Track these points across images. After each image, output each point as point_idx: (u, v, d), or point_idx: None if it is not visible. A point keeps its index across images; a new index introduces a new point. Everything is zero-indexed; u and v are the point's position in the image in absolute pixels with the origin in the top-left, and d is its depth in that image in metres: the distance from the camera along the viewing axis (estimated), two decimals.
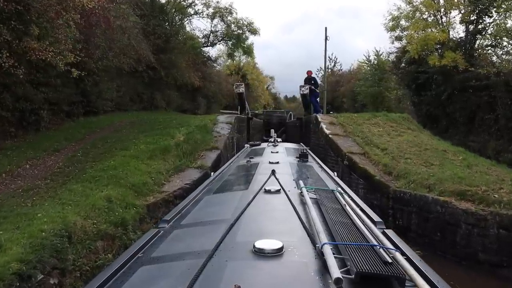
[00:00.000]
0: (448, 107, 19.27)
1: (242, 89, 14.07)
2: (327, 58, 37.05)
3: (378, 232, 2.44)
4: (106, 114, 16.47)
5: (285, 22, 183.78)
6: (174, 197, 7.78)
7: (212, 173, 6.35)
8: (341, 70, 47.97)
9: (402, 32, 20.49)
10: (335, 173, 6.15)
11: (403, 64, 21.88)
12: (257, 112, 39.35)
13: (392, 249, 2.08)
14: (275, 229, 2.63)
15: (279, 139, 10.66)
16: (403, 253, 2.16)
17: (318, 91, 15.41)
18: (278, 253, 2.06)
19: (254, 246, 2.11)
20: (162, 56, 21.26)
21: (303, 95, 13.84)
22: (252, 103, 50.26)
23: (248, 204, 3.12)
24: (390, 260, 1.87)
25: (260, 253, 2.06)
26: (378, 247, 2.06)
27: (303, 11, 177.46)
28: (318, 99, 14.86)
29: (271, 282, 1.83)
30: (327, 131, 11.18)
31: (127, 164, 8.39)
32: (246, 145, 9.95)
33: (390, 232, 2.73)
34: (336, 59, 48.29)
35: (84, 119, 14.41)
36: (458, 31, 19.97)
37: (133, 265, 2.27)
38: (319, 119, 12.04)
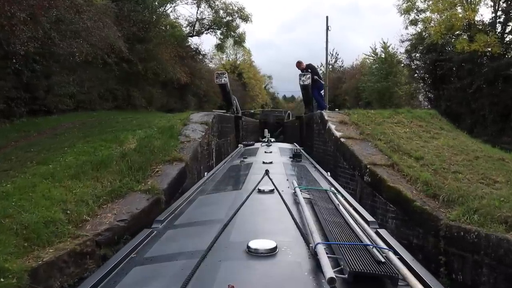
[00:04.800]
0: (474, 102, 16.30)
1: (225, 79, 10.99)
2: (328, 54, 34.15)
3: (371, 232, 2.42)
4: (64, 114, 13.45)
5: (285, 21, 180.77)
6: (96, 244, 4.78)
7: (205, 173, 6.17)
8: (343, 66, 45.06)
9: (418, 15, 17.47)
10: (329, 173, 5.91)
11: (418, 54, 18.86)
12: (253, 111, 36.69)
13: (385, 249, 2.07)
14: (269, 229, 2.61)
15: (272, 139, 10.28)
16: (396, 253, 2.12)
17: (322, 81, 12.35)
18: (271, 253, 2.04)
19: (247, 246, 2.08)
20: (139, 46, 18.22)
21: (303, 87, 10.82)
22: (249, 103, 47.61)
23: (242, 204, 3.09)
24: (383, 260, 1.87)
25: (253, 253, 2.04)
26: (371, 246, 2.04)
27: (303, 9, 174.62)
28: (322, 92, 11.82)
29: (265, 282, 1.80)
30: (337, 133, 8.19)
31: (33, 188, 5.40)
32: (240, 145, 9.62)
33: (383, 232, 2.74)
34: (338, 54, 45.34)
35: (28, 120, 11.41)
36: (483, 13, 17.03)
37: (126, 266, 2.25)
38: (326, 118, 9.06)
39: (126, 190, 5.81)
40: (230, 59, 54.05)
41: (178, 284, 1.67)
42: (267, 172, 4.49)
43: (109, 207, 5.45)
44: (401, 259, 2.08)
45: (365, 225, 2.65)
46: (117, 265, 2.24)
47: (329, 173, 5.89)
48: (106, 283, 2.03)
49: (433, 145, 8.17)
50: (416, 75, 19.99)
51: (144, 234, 2.84)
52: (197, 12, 24.65)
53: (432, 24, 15.50)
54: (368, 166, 6.90)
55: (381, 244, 2.18)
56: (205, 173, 6.13)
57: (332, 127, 8.52)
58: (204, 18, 24.32)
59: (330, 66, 39.28)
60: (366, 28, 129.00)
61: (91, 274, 2.25)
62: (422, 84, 19.90)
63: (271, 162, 5.77)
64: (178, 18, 25.05)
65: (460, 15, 14.25)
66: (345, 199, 3.68)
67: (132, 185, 5.92)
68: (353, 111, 10.17)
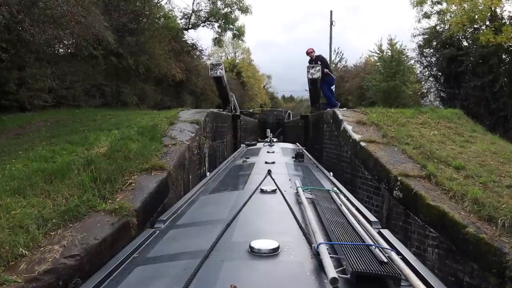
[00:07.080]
0: (494, 102, 14.92)
1: (220, 71, 9.48)
2: (332, 51, 32.81)
3: (373, 232, 2.38)
4: (42, 111, 11.98)
5: (288, 21, 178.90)
6: None
7: (208, 173, 6.05)
8: (346, 65, 43.75)
9: (433, 7, 16.05)
10: (331, 173, 5.75)
11: (432, 50, 17.43)
12: (252, 111, 35.32)
13: (388, 249, 2.05)
14: (271, 229, 2.60)
15: (275, 139, 10.20)
16: (398, 253, 2.09)
17: (333, 76, 10.87)
18: (274, 253, 2.02)
19: (250, 246, 2.07)
20: (129, 38, 16.76)
21: (311, 81, 9.34)
22: (248, 102, 46.24)
23: (244, 204, 3.10)
24: (385, 260, 1.84)
25: (256, 253, 2.03)
26: (374, 246, 2.02)
27: (306, 9, 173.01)
28: (333, 88, 10.36)
29: (267, 282, 1.80)
30: (356, 136, 6.77)
31: None
32: (242, 145, 9.52)
33: (385, 232, 2.68)
34: (342, 53, 44.08)
35: None
36: (503, 5, 15.58)
37: (129, 265, 2.25)
38: (340, 117, 7.63)
39: (85, 210, 4.32)
40: (229, 58, 53.10)
41: (181, 284, 1.67)
42: (269, 172, 4.47)
43: (59, 235, 3.97)
44: (404, 259, 2.02)
45: (368, 225, 2.61)
46: (119, 264, 2.24)
47: (331, 173, 5.73)
48: (109, 283, 2.02)
49: (472, 151, 6.77)
50: (427, 72, 18.56)
51: (146, 233, 2.86)
52: (193, 3, 23.18)
53: (449, 16, 14.10)
54: (399, 178, 5.48)
55: (384, 244, 2.16)
56: (208, 173, 6.04)
57: (349, 128, 7.10)
58: (201, 10, 22.79)
59: (333, 65, 37.83)
60: (366, 28, 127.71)
61: (93, 274, 2.13)
62: (434, 82, 18.48)
63: (273, 162, 5.74)
64: (173, 10, 23.62)
65: (483, 5, 12.85)
66: (348, 199, 3.68)
67: (94, 202, 4.44)
68: (370, 109, 8.74)
